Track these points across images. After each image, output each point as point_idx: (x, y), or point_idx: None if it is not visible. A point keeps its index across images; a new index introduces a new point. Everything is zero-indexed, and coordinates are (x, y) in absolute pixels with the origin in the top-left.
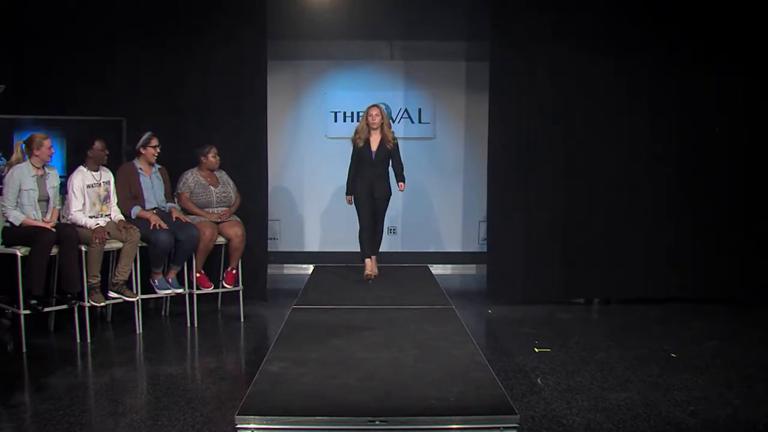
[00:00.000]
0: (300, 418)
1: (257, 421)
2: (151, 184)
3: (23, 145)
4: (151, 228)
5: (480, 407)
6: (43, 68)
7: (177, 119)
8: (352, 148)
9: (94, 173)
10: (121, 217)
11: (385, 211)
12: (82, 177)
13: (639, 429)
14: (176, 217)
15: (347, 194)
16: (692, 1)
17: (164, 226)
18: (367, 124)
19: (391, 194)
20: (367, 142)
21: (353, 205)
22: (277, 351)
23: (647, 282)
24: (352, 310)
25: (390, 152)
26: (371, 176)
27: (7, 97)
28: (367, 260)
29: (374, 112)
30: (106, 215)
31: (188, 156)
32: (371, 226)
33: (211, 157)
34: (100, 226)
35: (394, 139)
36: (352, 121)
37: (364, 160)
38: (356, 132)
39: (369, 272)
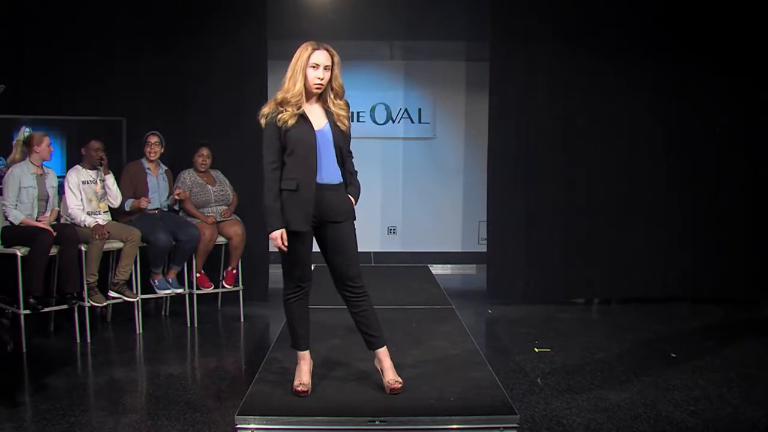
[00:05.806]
0: (300, 418)
1: (257, 421)
2: (157, 185)
3: (23, 143)
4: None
5: (480, 407)
6: (43, 68)
7: (177, 119)
8: (264, 135)
9: (90, 171)
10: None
11: (353, 246)
12: (77, 174)
13: (639, 429)
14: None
15: (273, 227)
16: (693, 1)
17: (149, 199)
18: (305, 86)
19: (354, 214)
20: (303, 119)
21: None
22: (277, 351)
23: (647, 282)
24: None
25: (345, 139)
26: (314, 186)
27: (7, 97)
28: (302, 355)
29: (320, 57)
30: (104, 212)
31: (188, 156)
32: (308, 287)
33: (197, 156)
34: (99, 224)
35: (349, 112)
36: (353, 121)
37: (298, 155)
38: (279, 101)
39: (300, 384)
